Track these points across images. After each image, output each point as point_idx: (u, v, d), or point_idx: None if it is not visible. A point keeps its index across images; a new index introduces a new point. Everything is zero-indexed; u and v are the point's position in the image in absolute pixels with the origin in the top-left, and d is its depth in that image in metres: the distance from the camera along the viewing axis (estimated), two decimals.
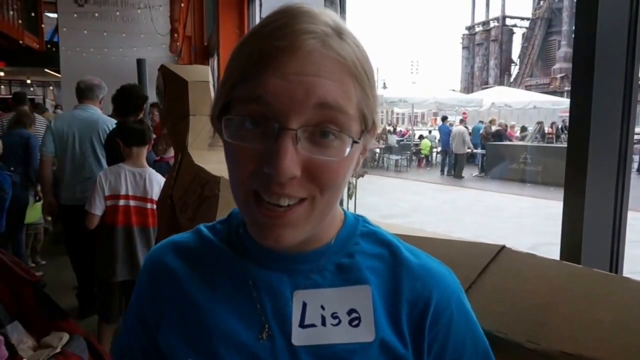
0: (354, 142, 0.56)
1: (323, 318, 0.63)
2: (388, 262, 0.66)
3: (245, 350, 0.62)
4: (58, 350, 2.04)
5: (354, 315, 0.63)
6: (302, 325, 0.63)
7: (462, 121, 15.15)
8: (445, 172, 14.41)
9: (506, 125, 15.82)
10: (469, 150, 13.99)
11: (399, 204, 9.55)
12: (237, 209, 0.72)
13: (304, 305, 0.63)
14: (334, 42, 0.55)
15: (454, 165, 14.01)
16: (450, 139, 14.16)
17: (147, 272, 0.72)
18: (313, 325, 0.63)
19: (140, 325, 0.72)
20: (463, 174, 13.78)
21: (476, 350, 0.66)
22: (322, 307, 0.63)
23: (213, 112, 0.62)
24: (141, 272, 0.73)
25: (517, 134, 16.45)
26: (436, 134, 17.43)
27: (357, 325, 0.62)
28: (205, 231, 0.72)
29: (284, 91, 0.52)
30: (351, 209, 0.69)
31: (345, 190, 0.64)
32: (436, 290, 0.65)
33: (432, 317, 0.63)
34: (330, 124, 0.54)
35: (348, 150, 0.56)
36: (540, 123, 15.03)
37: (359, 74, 0.57)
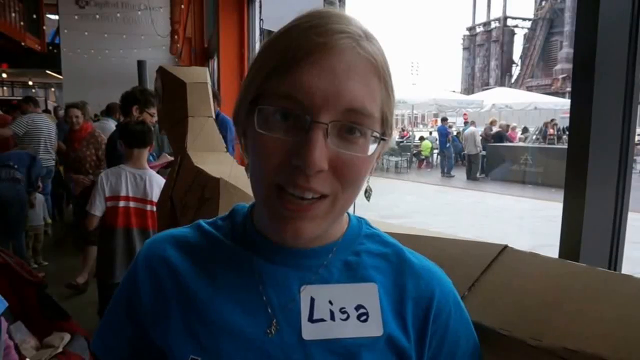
0: (380, 139, 0.60)
1: (332, 313, 0.64)
2: (393, 262, 0.69)
3: (253, 346, 0.62)
4: (60, 350, 2.06)
5: (361, 310, 0.65)
6: (311, 319, 0.64)
7: (473, 122, 15.16)
8: (446, 173, 14.40)
9: (507, 126, 15.79)
10: (483, 152, 13.98)
11: (399, 205, 9.54)
12: (239, 205, 0.73)
13: (312, 300, 0.64)
14: (365, 44, 0.58)
15: (468, 166, 14.01)
16: (463, 140, 14.26)
17: (146, 267, 0.69)
18: (322, 320, 0.64)
19: (131, 322, 0.69)
20: (453, 174, 13.89)
21: (468, 343, 0.70)
22: (330, 302, 0.65)
23: (240, 104, 0.63)
24: (137, 267, 0.69)
25: (519, 134, 16.41)
26: (437, 135, 17.43)
27: (365, 321, 0.64)
28: (207, 226, 0.72)
29: (318, 88, 0.55)
30: (350, 210, 0.70)
31: (362, 192, 0.65)
32: (437, 289, 0.68)
33: (435, 314, 0.67)
34: (356, 123, 0.57)
35: (372, 147, 0.59)
36: (547, 123, 15.00)
37: (385, 75, 0.60)
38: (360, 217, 0.74)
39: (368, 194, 0.67)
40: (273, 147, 0.56)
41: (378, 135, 0.60)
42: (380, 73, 0.59)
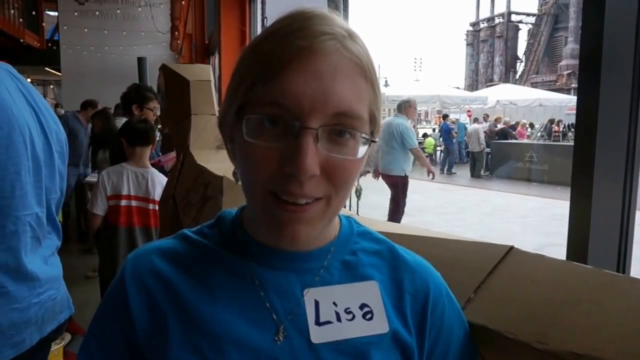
0: (371, 141, 0.60)
1: (337, 314, 0.64)
2: (387, 259, 0.70)
3: (261, 355, 0.60)
4: None
5: (366, 309, 0.65)
6: (318, 322, 0.63)
7: (476, 120, 15.15)
8: (446, 171, 14.35)
9: (516, 123, 15.74)
10: (487, 149, 13.96)
11: None
12: (225, 212, 0.72)
13: (317, 302, 0.64)
14: (349, 44, 0.58)
15: (472, 164, 13.99)
16: (467, 137, 14.25)
17: (135, 283, 0.64)
18: (329, 322, 0.63)
19: (124, 344, 0.64)
20: (454, 171, 13.97)
21: (460, 331, 0.73)
22: (335, 304, 0.65)
23: (226, 111, 0.62)
24: (125, 284, 0.64)
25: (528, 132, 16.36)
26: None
27: (370, 319, 0.65)
28: (194, 236, 0.69)
29: (305, 94, 0.54)
30: (354, 209, 0.70)
31: (353, 191, 0.65)
32: (431, 283, 0.71)
33: (431, 307, 0.69)
34: (346, 126, 0.57)
35: (362, 149, 0.59)
36: (552, 120, 14.98)
37: (370, 74, 0.60)
38: (348, 216, 0.74)
39: (359, 193, 0.68)
40: (263, 155, 0.56)
41: (367, 137, 0.59)
42: (366, 73, 0.59)
